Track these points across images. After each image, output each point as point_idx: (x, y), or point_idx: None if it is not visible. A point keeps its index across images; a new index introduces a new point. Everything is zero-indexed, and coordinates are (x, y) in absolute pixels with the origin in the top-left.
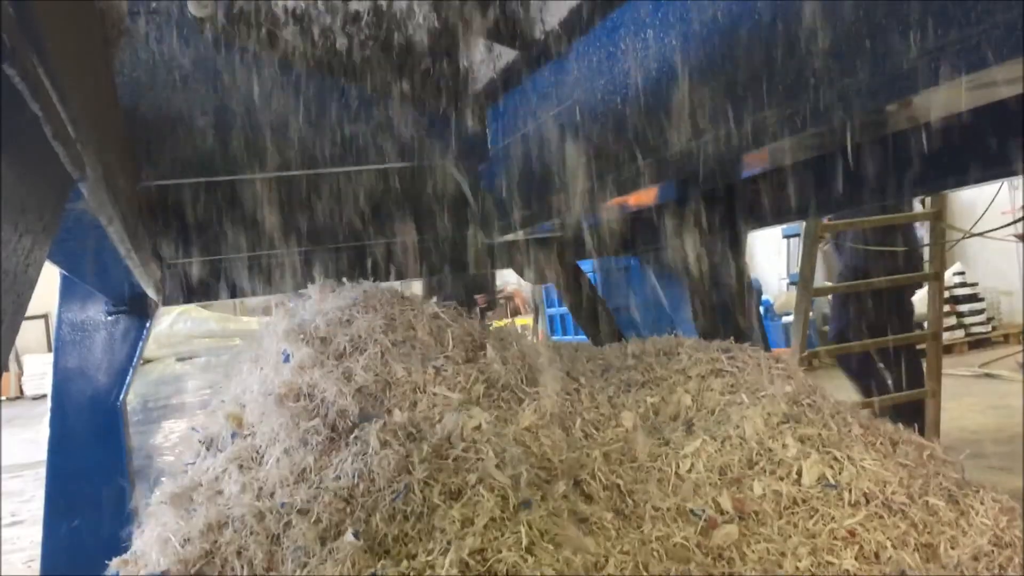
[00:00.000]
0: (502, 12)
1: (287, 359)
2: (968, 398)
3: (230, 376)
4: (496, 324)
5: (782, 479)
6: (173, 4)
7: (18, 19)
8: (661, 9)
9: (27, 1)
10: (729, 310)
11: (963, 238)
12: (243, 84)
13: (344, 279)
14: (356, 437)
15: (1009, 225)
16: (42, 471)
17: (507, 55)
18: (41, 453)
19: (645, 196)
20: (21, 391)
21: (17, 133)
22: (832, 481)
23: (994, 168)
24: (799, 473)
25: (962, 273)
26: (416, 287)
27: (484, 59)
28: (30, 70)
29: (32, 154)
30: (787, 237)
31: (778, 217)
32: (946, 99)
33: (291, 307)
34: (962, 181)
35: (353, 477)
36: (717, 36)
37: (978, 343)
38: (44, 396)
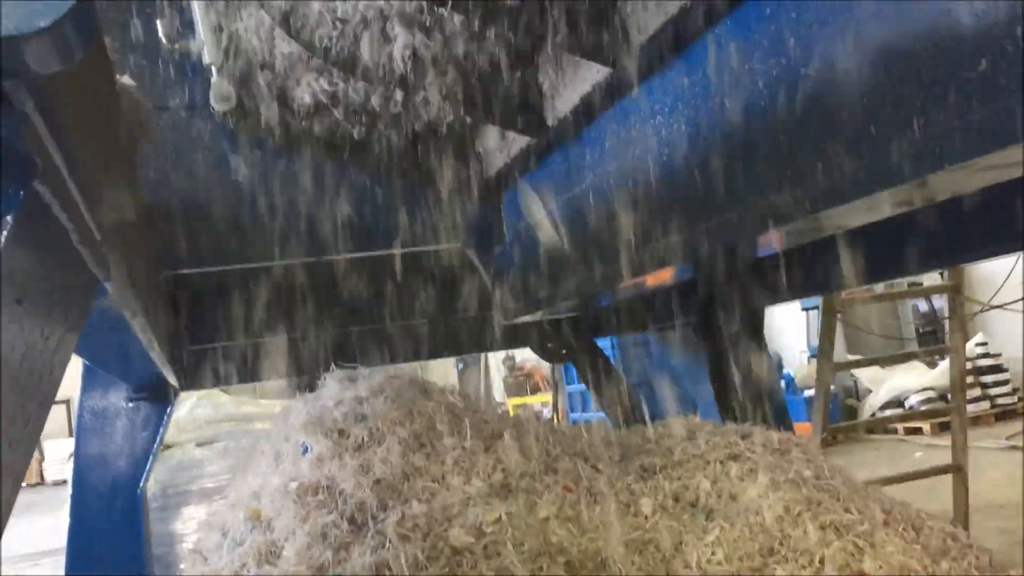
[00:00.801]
0: (515, 101)
1: (305, 451)
2: (995, 471)
3: (248, 467)
4: (515, 402)
5: (804, 567)
6: (196, 98)
7: (50, 133)
8: (669, 96)
9: (58, 113)
10: (749, 387)
11: (982, 310)
12: (262, 173)
13: (361, 365)
14: (375, 531)
15: None
16: (62, 559)
17: (520, 141)
18: (61, 540)
19: (662, 275)
20: (42, 477)
21: (44, 239)
22: (855, 569)
23: (1011, 242)
24: (821, 561)
25: (984, 344)
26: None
27: (498, 145)
28: (60, 185)
29: (58, 258)
30: (806, 310)
31: (796, 293)
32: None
33: (310, 396)
34: (980, 255)
35: (372, 570)
36: (725, 121)
37: (1004, 415)
38: (65, 482)
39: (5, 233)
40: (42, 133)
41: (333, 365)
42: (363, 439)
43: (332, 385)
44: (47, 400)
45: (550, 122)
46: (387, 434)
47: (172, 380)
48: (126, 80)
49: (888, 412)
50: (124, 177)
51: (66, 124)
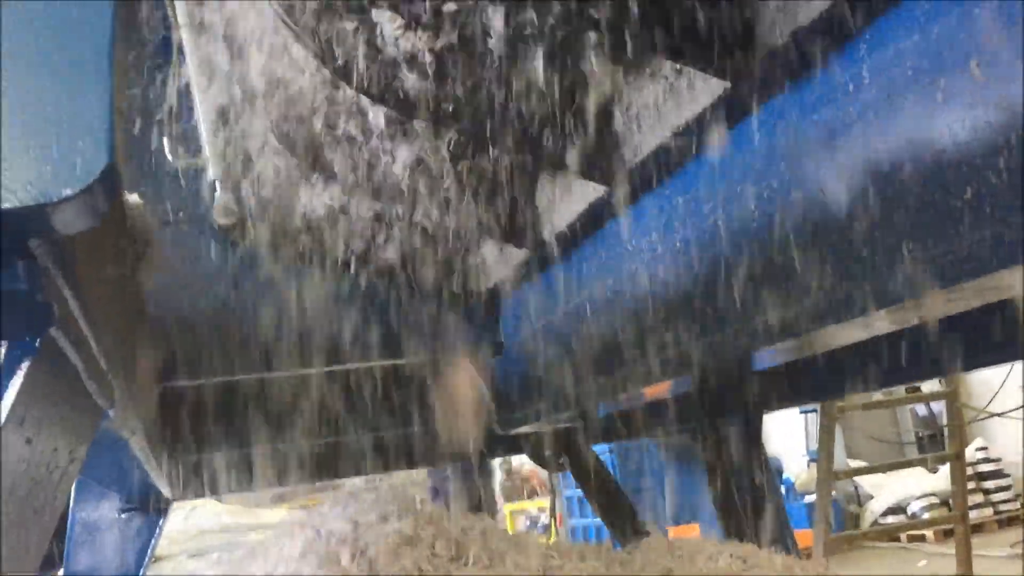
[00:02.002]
0: (512, 216)
1: None
2: None
3: None
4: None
5: None
6: (198, 213)
7: (67, 282)
8: (663, 215)
9: (75, 263)
10: (749, 494)
11: (980, 418)
12: (260, 285)
13: (356, 474)
14: None
15: None
16: None
17: (518, 255)
18: None
19: (660, 387)
20: None
21: (53, 377)
22: None
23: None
24: None
25: (984, 449)
26: None
27: (496, 258)
28: (73, 328)
29: (66, 392)
30: (804, 413)
31: (794, 401)
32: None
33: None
34: (975, 364)
35: None
36: (718, 240)
37: (1008, 521)
38: None
39: (18, 378)
40: (59, 282)
41: (329, 475)
42: (361, 567)
43: (329, 505)
44: (48, 530)
45: (547, 237)
46: (386, 564)
47: (166, 490)
48: (133, 198)
49: (890, 519)
50: (129, 294)
51: (81, 270)
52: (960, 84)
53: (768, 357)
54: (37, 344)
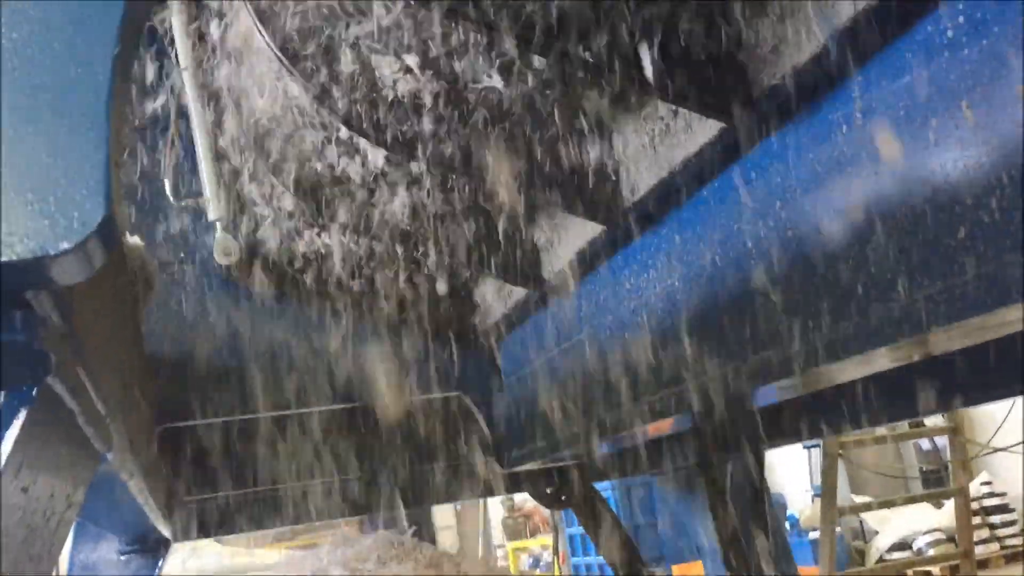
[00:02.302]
0: (511, 255)
1: None
2: None
3: None
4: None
5: None
6: (200, 252)
7: (66, 329)
8: (662, 253)
9: (74, 310)
10: (750, 530)
11: (984, 454)
12: (261, 325)
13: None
14: None
15: None
16: None
17: (518, 292)
18: None
19: (662, 424)
20: None
21: (50, 423)
22: None
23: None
24: None
25: (989, 483)
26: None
27: (496, 295)
28: (71, 375)
29: (64, 436)
30: (808, 448)
31: (796, 437)
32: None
33: (304, 558)
34: (976, 400)
35: None
36: (716, 278)
37: (1014, 556)
38: None
39: (15, 427)
40: (57, 331)
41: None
42: None
43: (327, 549)
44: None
45: (546, 275)
46: None
47: (165, 532)
48: (134, 241)
49: (896, 555)
50: (128, 335)
51: (80, 315)
52: (951, 125)
53: (770, 394)
54: (35, 393)
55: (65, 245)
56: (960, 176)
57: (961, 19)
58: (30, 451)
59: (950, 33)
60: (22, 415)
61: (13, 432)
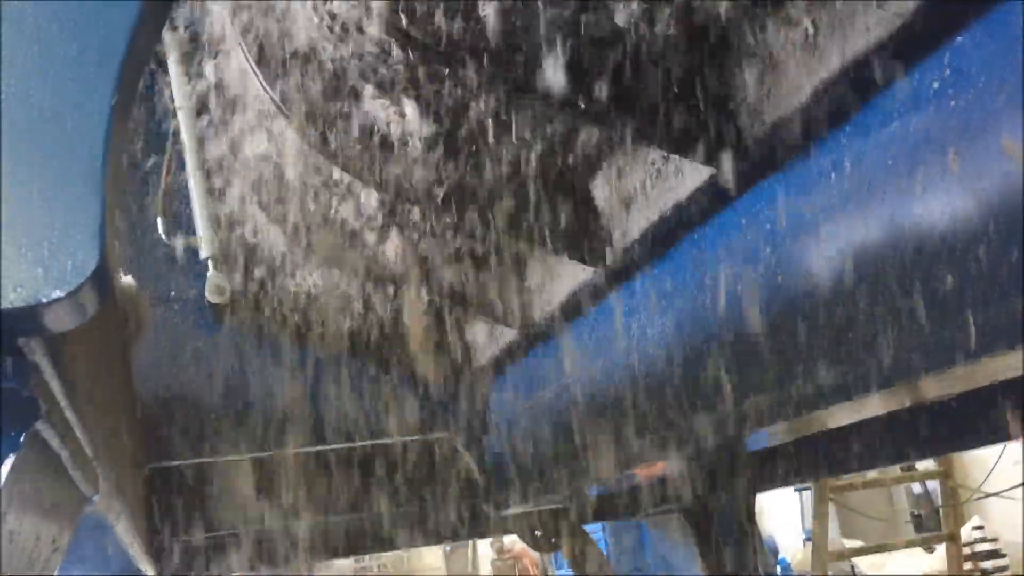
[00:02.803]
0: (502, 297)
1: None
2: None
3: None
4: None
5: None
6: (191, 291)
7: (57, 375)
8: (652, 297)
9: (64, 356)
10: (742, 574)
11: (975, 498)
12: (250, 364)
13: (347, 555)
14: None
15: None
16: None
17: (509, 334)
18: None
19: (653, 467)
20: None
21: (37, 468)
22: None
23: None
24: None
25: (981, 528)
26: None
27: (487, 337)
28: (60, 419)
29: (51, 480)
30: (799, 490)
31: (787, 481)
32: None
33: None
34: (966, 445)
35: None
36: (706, 323)
37: None
38: None
39: (3, 472)
40: (49, 377)
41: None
42: None
43: None
44: None
45: (537, 317)
46: None
47: (151, 573)
48: (127, 280)
49: None
50: (118, 376)
51: (70, 358)
52: (938, 175)
53: (762, 439)
54: (23, 438)
55: (58, 293)
56: (947, 225)
57: (947, 71)
58: (17, 496)
59: (936, 85)
60: (9, 460)
61: (1, 477)
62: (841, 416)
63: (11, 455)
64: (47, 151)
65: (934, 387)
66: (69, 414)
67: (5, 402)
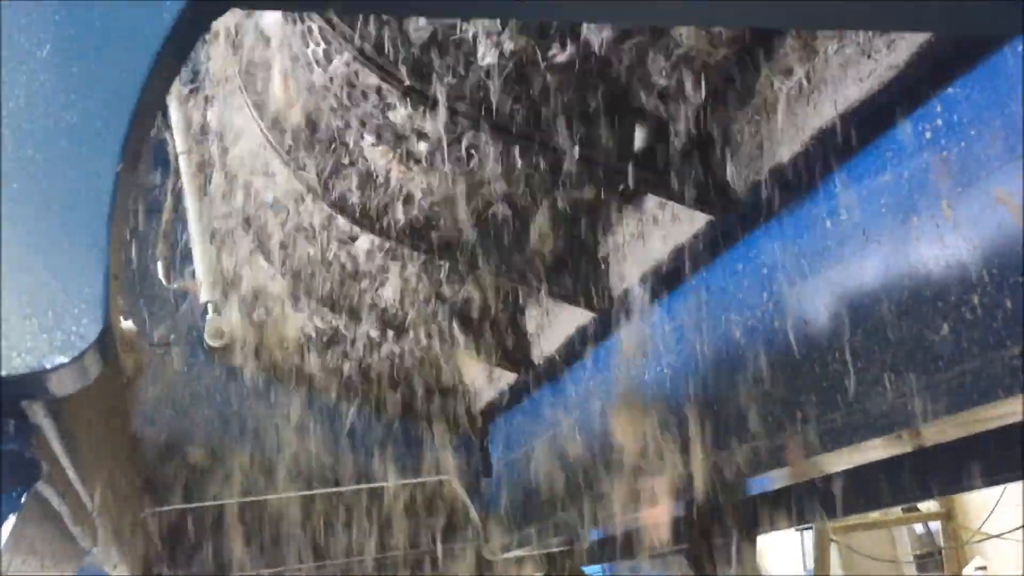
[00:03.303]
0: (502, 341)
1: None
2: None
3: None
4: None
5: None
6: (188, 334)
7: (59, 436)
8: (650, 340)
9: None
10: None
11: (976, 540)
12: (248, 408)
13: None
14: None
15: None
16: None
17: (508, 377)
18: None
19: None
20: None
21: (38, 524)
22: None
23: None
24: None
25: (984, 568)
26: None
27: (486, 380)
28: (60, 476)
29: (51, 535)
30: (800, 531)
31: (789, 523)
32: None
33: None
34: (967, 487)
35: None
36: (704, 367)
37: None
38: None
39: (4, 531)
40: (50, 436)
41: None
42: None
43: None
44: None
45: (536, 360)
46: None
47: None
48: (127, 325)
49: None
50: (117, 427)
51: (71, 418)
52: (932, 223)
53: (763, 482)
54: (23, 499)
55: (62, 359)
56: (942, 273)
57: (939, 121)
58: (17, 556)
59: (928, 134)
60: (10, 520)
61: (1, 537)
62: (839, 461)
63: (12, 515)
64: (52, 217)
65: (935, 432)
66: (70, 472)
67: (7, 463)
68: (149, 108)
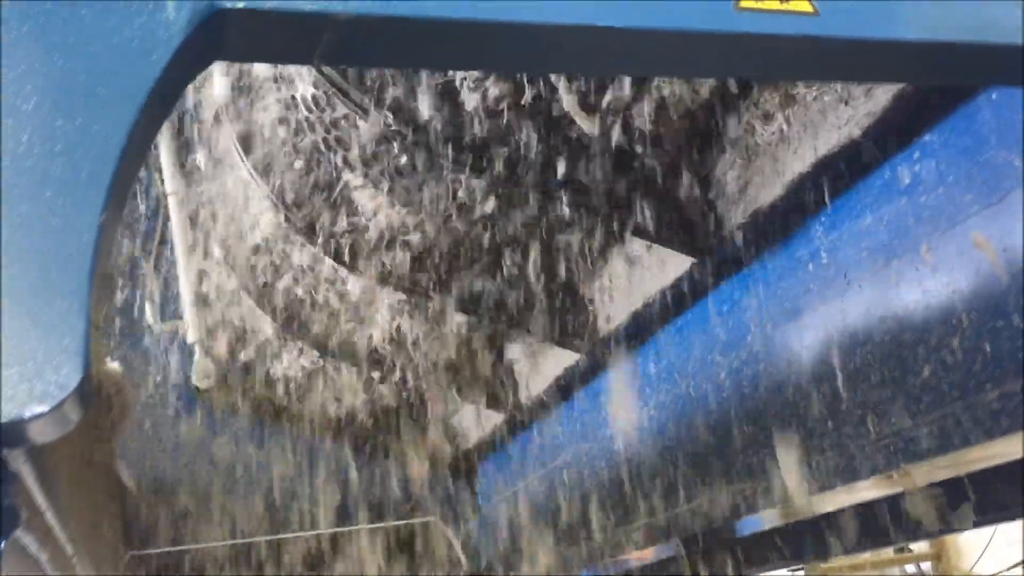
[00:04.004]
0: (490, 382)
1: None
2: None
3: None
4: None
5: None
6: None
7: (39, 482)
8: (637, 382)
9: (47, 462)
10: None
11: None
12: (234, 450)
13: None
14: None
15: (1014, 567)
16: None
17: (495, 418)
18: None
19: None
20: None
21: (15, 569)
22: None
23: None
24: None
25: None
26: None
27: (474, 421)
28: (39, 522)
29: None
30: (792, 571)
31: (779, 564)
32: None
33: None
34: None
35: None
36: (691, 408)
37: None
38: None
39: None
40: (29, 483)
41: None
42: None
43: None
44: None
45: (524, 401)
46: None
47: None
48: (112, 366)
49: None
50: (102, 474)
51: (52, 462)
52: (912, 267)
53: (754, 523)
54: (2, 546)
55: (43, 408)
56: (922, 316)
57: (917, 167)
58: None
59: (907, 180)
60: None
61: None
62: (834, 500)
63: None
64: (34, 268)
65: (925, 473)
66: (50, 517)
67: None
68: (133, 159)
